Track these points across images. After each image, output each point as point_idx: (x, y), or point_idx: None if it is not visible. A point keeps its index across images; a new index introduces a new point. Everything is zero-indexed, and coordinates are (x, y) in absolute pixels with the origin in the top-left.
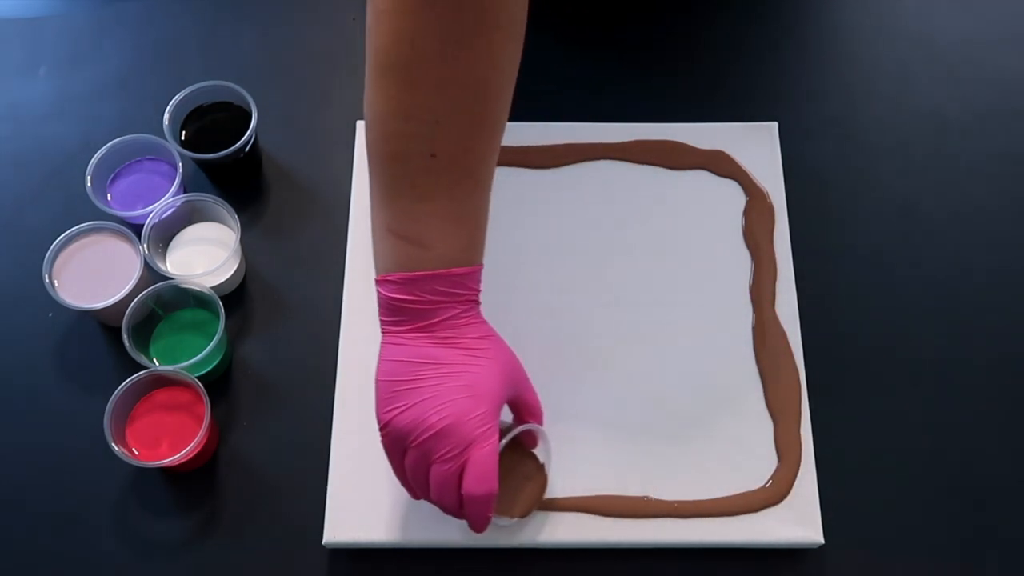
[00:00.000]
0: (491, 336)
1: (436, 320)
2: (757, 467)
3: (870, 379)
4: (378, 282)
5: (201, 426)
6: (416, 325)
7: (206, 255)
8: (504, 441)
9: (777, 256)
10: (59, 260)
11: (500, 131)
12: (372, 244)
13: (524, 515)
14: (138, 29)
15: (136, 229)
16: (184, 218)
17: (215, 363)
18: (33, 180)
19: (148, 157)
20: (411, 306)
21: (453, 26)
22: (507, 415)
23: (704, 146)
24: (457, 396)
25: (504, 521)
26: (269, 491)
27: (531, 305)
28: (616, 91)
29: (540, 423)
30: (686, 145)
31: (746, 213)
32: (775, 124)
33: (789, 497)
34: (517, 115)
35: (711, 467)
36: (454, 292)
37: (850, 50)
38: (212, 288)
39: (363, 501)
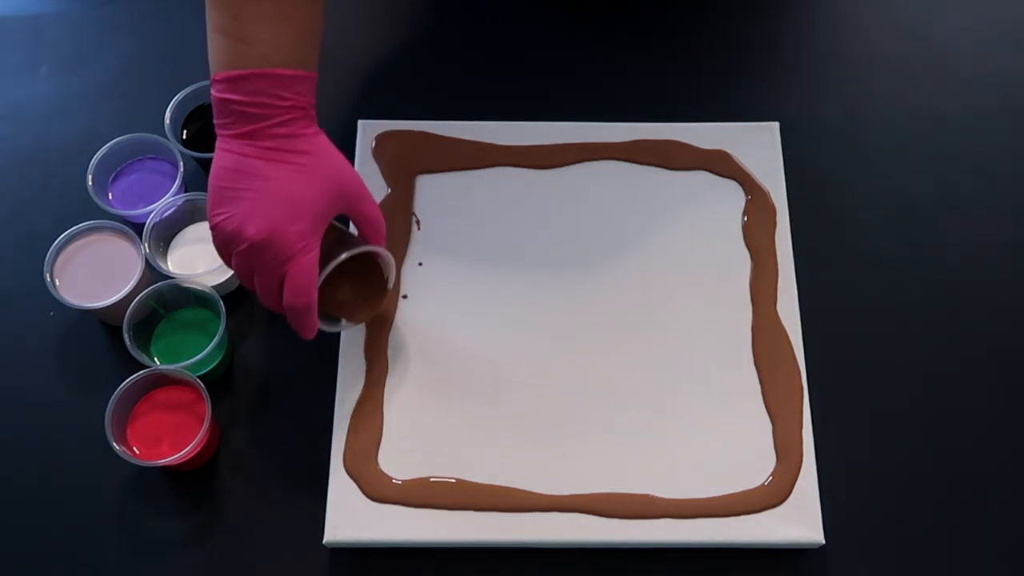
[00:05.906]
0: (318, 149)
1: (261, 126)
2: (757, 467)
3: (870, 379)
4: (211, 83)
5: (202, 425)
6: (242, 130)
7: (207, 254)
8: (333, 264)
9: (778, 256)
10: (60, 259)
11: None
12: (208, 48)
13: (361, 322)
14: (140, 27)
15: (137, 228)
16: (185, 217)
17: (216, 362)
18: (34, 179)
19: (149, 156)
20: (237, 107)
21: None
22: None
23: (705, 146)
24: (275, 211)
25: (341, 327)
26: (269, 491)
27: (531, 304)
28: (616, 91)
29: (381, 235)
30: (686, 145)
31: (747, 213)
32: (776, 124)
33: (789, 497)
34: (517, 115)
35: (711, 467)
36: (280, 95)
37: (851, 50)
38: (213, 287)
39: (363, 501)
